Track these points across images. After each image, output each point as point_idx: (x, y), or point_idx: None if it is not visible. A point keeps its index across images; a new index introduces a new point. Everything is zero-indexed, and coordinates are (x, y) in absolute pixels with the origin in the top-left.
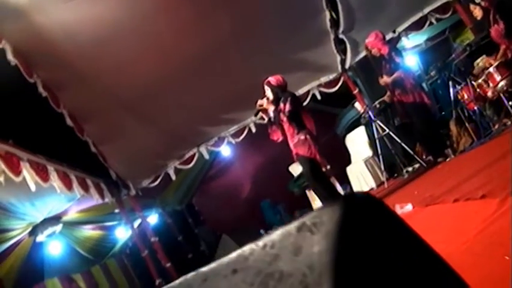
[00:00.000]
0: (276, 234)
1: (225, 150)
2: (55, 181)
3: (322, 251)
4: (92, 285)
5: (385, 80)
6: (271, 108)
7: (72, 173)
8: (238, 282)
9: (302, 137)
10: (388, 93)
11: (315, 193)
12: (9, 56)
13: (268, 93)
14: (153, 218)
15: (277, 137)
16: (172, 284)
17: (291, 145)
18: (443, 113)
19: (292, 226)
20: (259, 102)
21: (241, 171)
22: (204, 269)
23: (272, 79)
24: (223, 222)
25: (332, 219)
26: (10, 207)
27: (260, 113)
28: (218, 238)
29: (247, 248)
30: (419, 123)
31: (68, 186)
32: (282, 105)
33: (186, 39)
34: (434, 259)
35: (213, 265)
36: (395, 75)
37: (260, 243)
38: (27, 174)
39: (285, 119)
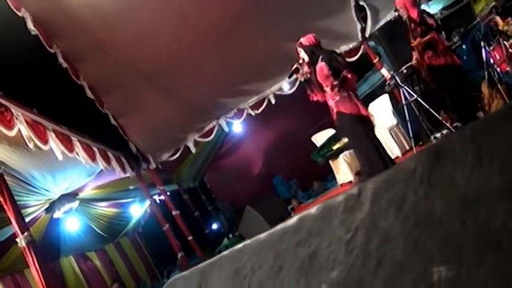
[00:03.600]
0: None
1: (237, 127)
2: (80, 152)
3: None
4: (107, 262)
5: (418, 41)
6: (305, 69)
7: (94, 145)
8: None
9: (345, 94)
10: (415, 57)
11: (357, 152)
12: (30, 25)
13: (302, 54)
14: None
15: (318, 97)
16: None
17: (332, 103)
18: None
19: None
20: (295, 65)
21: (251, 149)
22: None
23: (303, 39)
24: (236, 199)
25: None
26: (31, 180)
27: (294, 75)
28: (238, 211)
29: None
30: (450, 86)
31: (92, 157)
32: (320, 63)
33: (207, 9)
34: None
35: None
36: (429, 36)
37: None
38: (53, 143)
39: (325, 77)
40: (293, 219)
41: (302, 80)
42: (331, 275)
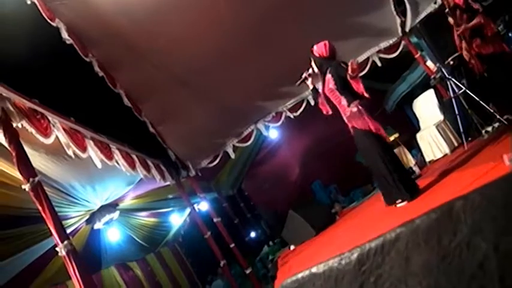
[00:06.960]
0: None
1: (273, 133)
2: (119, 160)
3: None
4: (148, 272)
5: (464, 27)
6: (315, 80)
7: (133, 153)
8: None
9: (354, 109)
10: (464, 46)
11: (374, 170)
12: (64, 35)
13: (313, 64)
14: (204, 204)
15: (325, 110)
16: None
17: (345, 119)
18: None
19: None
20: (304, 74)
21: (288, 154)
22: None
23: (315, 48)
24: (274, 206)
25: None
26: (71, 191)
27: (305, 83)
28: (279, 217)
29: None
30: (501, 76)
31: (131, 165)
32: (327, 76)
33: (242, 10)
34: None
35: None
36: (475, 21)
37: None
38: (92, 151)
39: (331, 91)
40: None
41: (311, 88)
42: None
